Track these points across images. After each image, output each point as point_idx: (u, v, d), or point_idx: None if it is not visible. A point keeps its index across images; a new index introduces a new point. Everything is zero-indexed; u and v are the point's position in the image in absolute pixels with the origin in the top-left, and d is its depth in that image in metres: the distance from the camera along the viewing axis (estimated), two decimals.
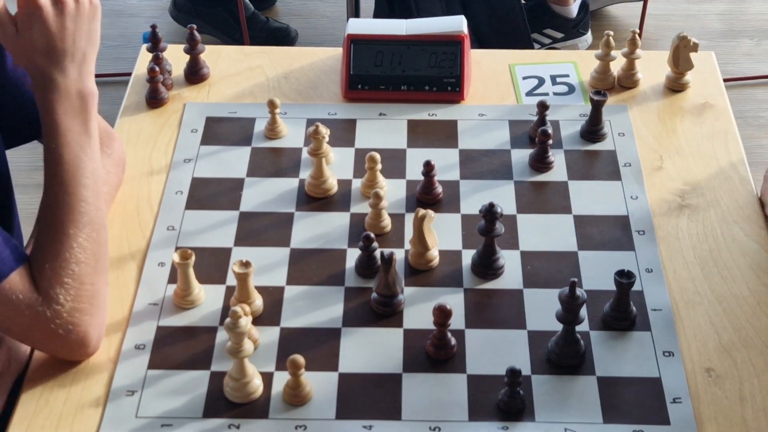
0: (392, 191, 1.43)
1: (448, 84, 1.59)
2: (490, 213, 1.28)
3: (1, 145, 1.32)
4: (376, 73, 1.59)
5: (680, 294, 1.29)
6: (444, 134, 1.54)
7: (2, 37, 1.22)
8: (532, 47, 2.73)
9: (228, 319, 1.14)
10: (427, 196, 1.42)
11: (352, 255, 1.34)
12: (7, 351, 1.27)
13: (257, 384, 1.17)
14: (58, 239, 1.18)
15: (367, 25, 1.63)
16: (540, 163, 1.47)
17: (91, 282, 1.19)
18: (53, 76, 1.21)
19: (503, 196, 1.43)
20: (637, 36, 1.58)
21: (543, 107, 1.49)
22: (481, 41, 2.60)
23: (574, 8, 2.96)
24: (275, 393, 1.18)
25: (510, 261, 1.33)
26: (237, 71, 1.66)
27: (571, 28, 2.98)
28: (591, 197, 1.43)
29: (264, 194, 1.44)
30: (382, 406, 1.16)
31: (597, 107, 1.50)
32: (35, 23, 1.20)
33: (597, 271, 1.31)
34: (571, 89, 1.63)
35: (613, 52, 1.61)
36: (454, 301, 1.28)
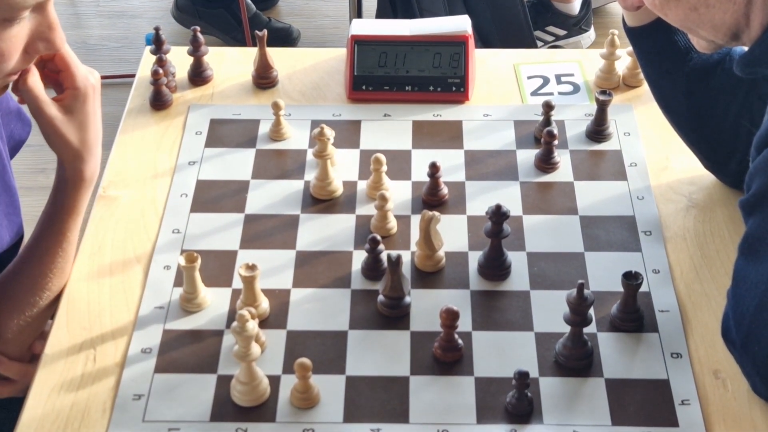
0: (398, 193, 1.43)
1: (452, 84, 1.59)
2: (497, 215, 1.28)
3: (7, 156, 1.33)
4: (381, 74, 1.59)
5: (687, 295, 1.29)
6: (449, 135, 1.53)
7: (47, 119, 1.21)
8: (535, 45, 2.72)
9: (235, 323, 1.13)
10: (432, 197, 1.42)
11: (358, 257, 1.34)
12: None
13: (264, 387, 1.17)
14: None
15: (371, 25, 1.62)
16: (545, 163, 1.47)
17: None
18: (81, 168, 1.25)
19: (509, 197, 1.42)
20: None
21: (548, 107, 1.49)
22: (483, 39, 2.60)
23: (576, 5, 2.96)
24: (282, 396, 1.17)
25: (516, 262, 1.33)
26: (240, 73, 1.65)
27: (573, 26, 2.98)
28: (597, 198, 1.42)
29: (269, 196, 1.43)
30: (389, 409, 1.16)
31: (602, 107, 1.50)
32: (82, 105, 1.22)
33: (604, 272, 1.31)
34: (576, 89, 1.62)
35: (618, 51, 1.60)
36: (461, 303, 1.27)
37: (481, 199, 1.42)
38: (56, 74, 1.22)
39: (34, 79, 1.18)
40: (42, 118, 1.20)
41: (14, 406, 1.23)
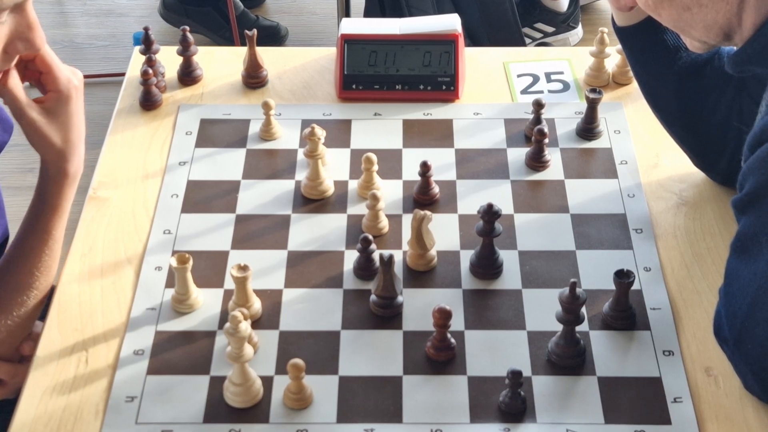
0: (389, 192, 1.43)
1: (442, 83, 1.59)
2: (488, 214, 1.28)
3: None
4: (371, 73, 1.59)
5: (679, 293, 1.29)
6: (439, 134, 1.53)
7: (29, 122, 1.20)
8: (523, 42, 2.73)
9: (228, 324, 1.13)
10: (424, 196, 1.42)
11: (350, 257, 1.34)
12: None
13: (257, 388, 1.17)
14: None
15: (361, 24, 1.62)
16: (536, 161, 1.47)
17: None
18: (65, 167, 1.23)
19: (500, 196, 1.42)
20: None
21: (538, 105, 1.49)
22: (471, 37, 2.60)
23: (564, 2, 2.97)
24: (275, 397, 1.17)
25: (508, 261, 1.33)
26: (230, 72, 1.65)
27: (561, 22, 2.98)
28: (588, 196, 1.43)
29: (260, 196, 1.43)
30: (383, 409, 1.16)
31: (592, 105, 1.50)
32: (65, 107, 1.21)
33: (595, 271, 1.31)
34: (566, 86, 1.62)
35: (608, 49, 1.60)
36: (453, 302, 1.27)
37: (472, 197, 1.42)
38: (38, 74, 1.21)
39: (14, 82, 1.17)
40: (24, 121, 1.19)
41: (6, 408, 1.22)
